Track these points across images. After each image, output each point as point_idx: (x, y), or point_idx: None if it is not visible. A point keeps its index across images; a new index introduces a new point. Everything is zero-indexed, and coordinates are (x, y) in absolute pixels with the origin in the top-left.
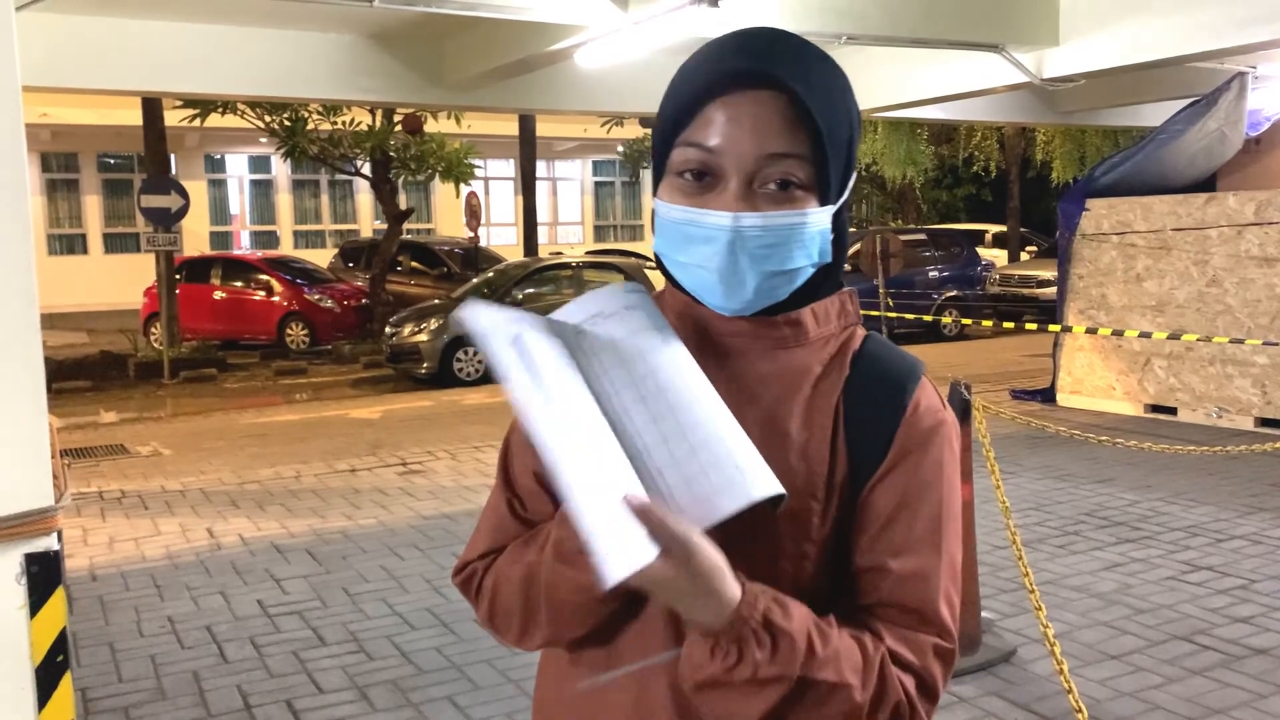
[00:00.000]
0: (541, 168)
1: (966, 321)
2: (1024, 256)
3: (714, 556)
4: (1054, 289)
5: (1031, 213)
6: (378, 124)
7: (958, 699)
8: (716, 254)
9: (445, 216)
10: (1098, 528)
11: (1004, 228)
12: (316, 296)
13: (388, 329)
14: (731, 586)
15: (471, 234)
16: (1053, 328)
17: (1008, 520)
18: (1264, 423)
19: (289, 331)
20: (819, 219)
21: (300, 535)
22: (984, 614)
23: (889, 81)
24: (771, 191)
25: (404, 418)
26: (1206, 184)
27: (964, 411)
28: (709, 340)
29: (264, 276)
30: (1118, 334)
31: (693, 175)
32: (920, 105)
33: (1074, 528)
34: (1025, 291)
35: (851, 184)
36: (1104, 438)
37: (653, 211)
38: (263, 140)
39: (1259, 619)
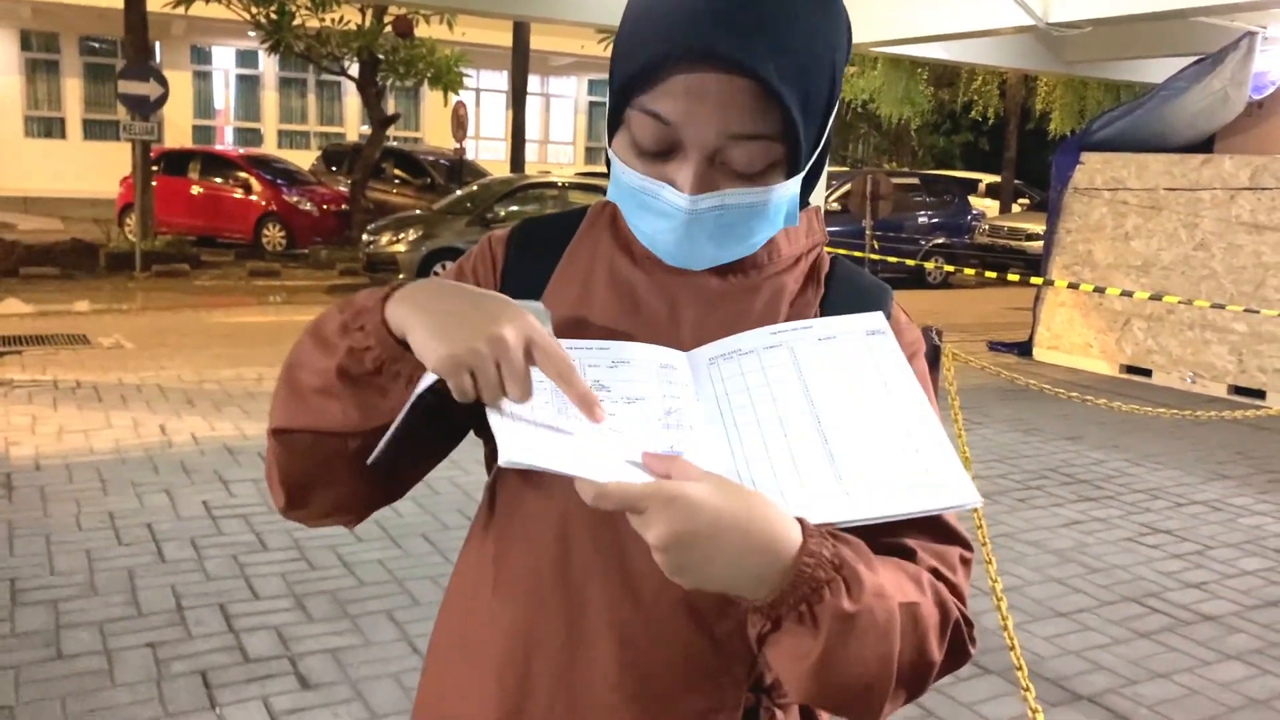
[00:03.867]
0: (534, 83)
1: (950, 269)
2: (1016, 209)
3: (751, 490)
4: (1041, 243)
5: (1028, 165)
6: (367, 23)
7: None
8: (672, 230)
9: (433, 126)
10: (1060, 484)
11: (998, 178)
12: (296, 198)
13: (365, 236)
14: (789, 520)
15: (458, 145)
16: (1035, 280)
17: (969, 470)
18: (1236, 390)
19: (266, 232)
20: (785, 191)
21: (254, 438)
22: None
23: (891, 16)
24: (732, 172)
25: None
26: (1204, 145)
27: (934, 358)
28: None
29: (243, 174)
30: (1099, 291)
31: (650, 143)
32: (922, 42)
33: (1036, 483)
34: (1013, 244)
35: (833, 116)
36: (1074, 394)
37: (606, 159)
38: (251, 34)
39: (1211, 585)
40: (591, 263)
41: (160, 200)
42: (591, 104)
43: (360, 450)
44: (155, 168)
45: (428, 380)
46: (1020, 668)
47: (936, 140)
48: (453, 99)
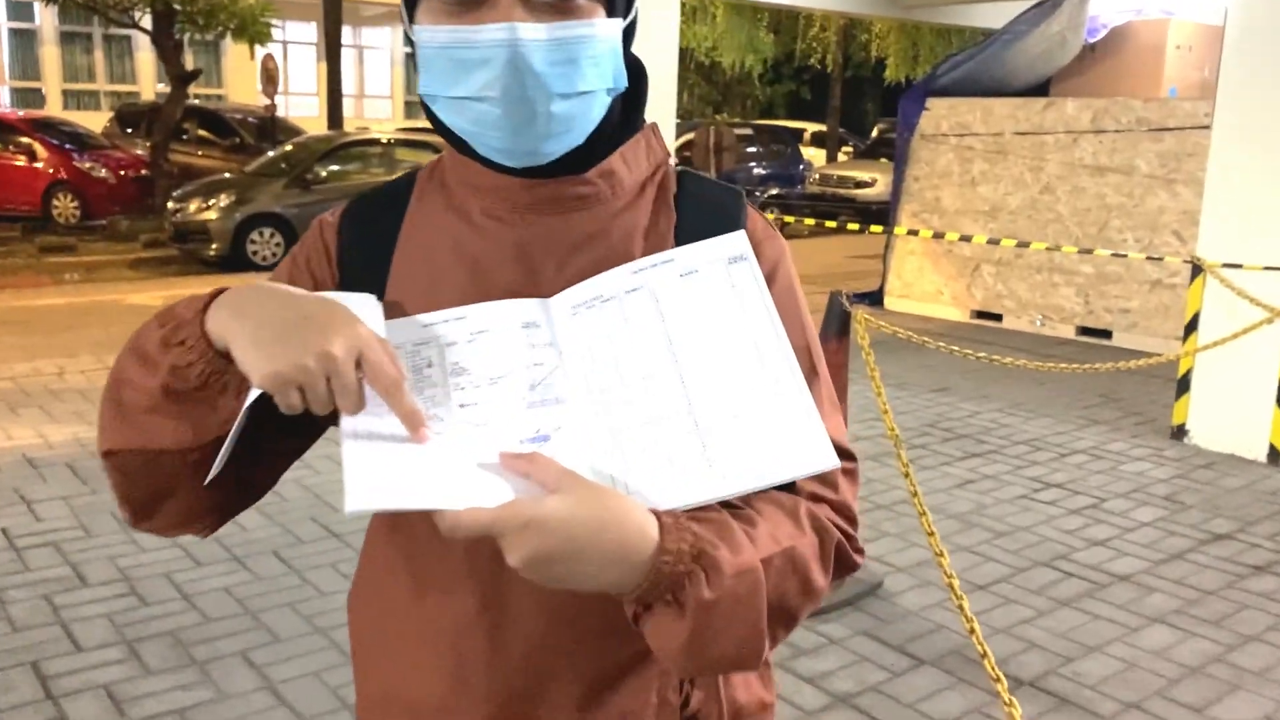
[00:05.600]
0: (347, 34)
1: (789, 220)
2: (841, 157)
3: (607, 488)
4: (871, 190)
5: (849, 113)
6: None
7: (827, 640)
8: (498, 78)
9: (238, 82)
10: (943, 440)
11: (823, 126)
12: (89, 165)
13: (171, 204)
14: (645, 518)
15: (268, 101)
16: (874, 229)
17: (897, 443)
18: (1084, 331)
19: (56, 203)
20: (608, 30)
21: (61, 446)
22: None
23: None
24: (549, 1)
25: None
26: (1041, 89)
27: (843, 324)
28: (504, 211)
29: (25, 139)
30: (938, 237)
31: None
32: None
33: (920, 440)
34: (843, 192)
35: (636, 13)
36: (941, 343)
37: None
38: None
39: (1115, 542)
40: (431, 236)
41: None
42: (408, 55)
43: (199, 463)
44: None
45: (254, 395)
46: (986, 654)
47: (764, 90)
48: (260, 52)
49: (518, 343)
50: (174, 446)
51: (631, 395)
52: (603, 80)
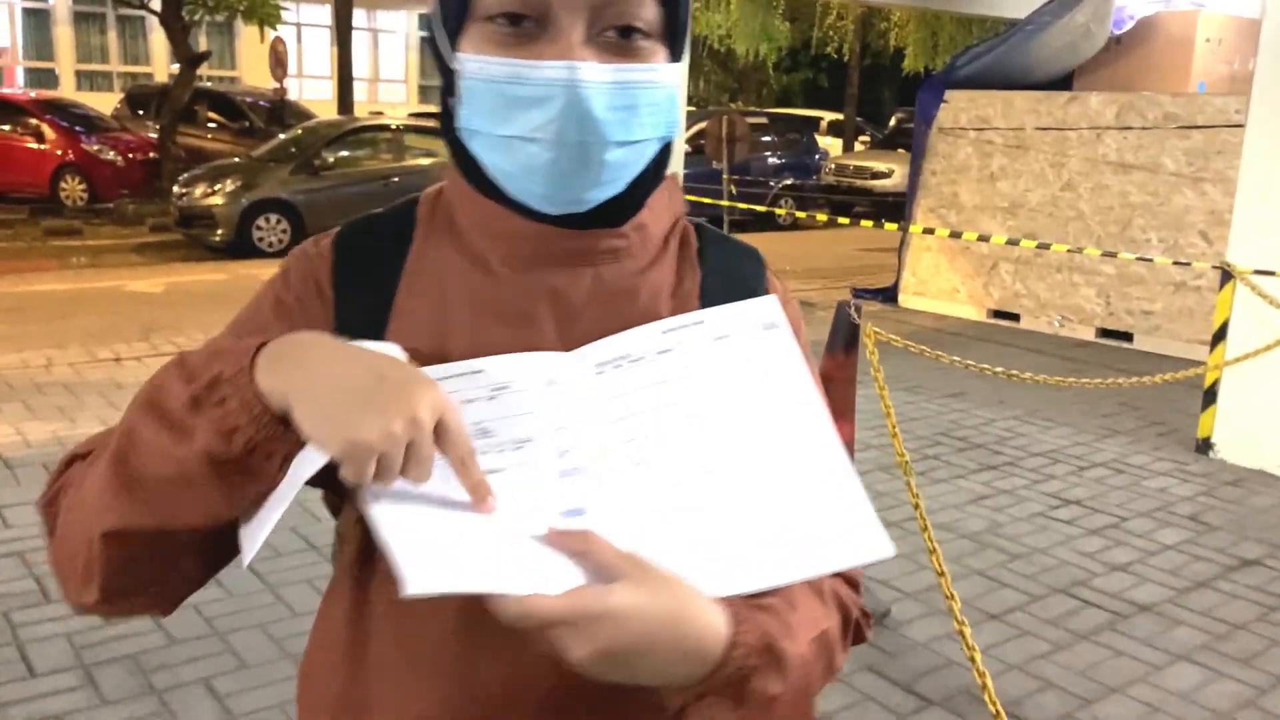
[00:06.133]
0: (360, 17)
1: (800, 215)
2: (858, 147)
3: (673, 575)
4: (888, 180)
5: (865, 102)
6: None
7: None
8: (553, 120)
9: (251, 65)
10: (957, 450)
11: (840, 115)
12: (97, 147)
13: (177, 188)
14: (714, 609)
15: (278, 85)
16: (889, 226)
17: (906, 469)
18: (1104, 333)
19: (64, 186)
20: (670, 76)
21: (39, 444)
22: None
23: None
24: (611, 40)
25: (191, 293)
26: (1064, 82)
27: (852, 338)
28: (528, 260)
29: (34, 121)
30: (954, 236)
31: (509, 19)
32: None
33: (932, 450)
34: (859, 183)
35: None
36: (956, 357)
37: (443, 85)
38: None
39: (1137, 567)
40: (439, 281)
41: None
42: (423, 39)
43: (203, 541)
44: None
45: (319, 461)
46: (992, 700)
47: (779, 78)
48: (270, 35)
49: (541, 402)
50: (200, 523)
51: (671, 470)
52: (658, 129)
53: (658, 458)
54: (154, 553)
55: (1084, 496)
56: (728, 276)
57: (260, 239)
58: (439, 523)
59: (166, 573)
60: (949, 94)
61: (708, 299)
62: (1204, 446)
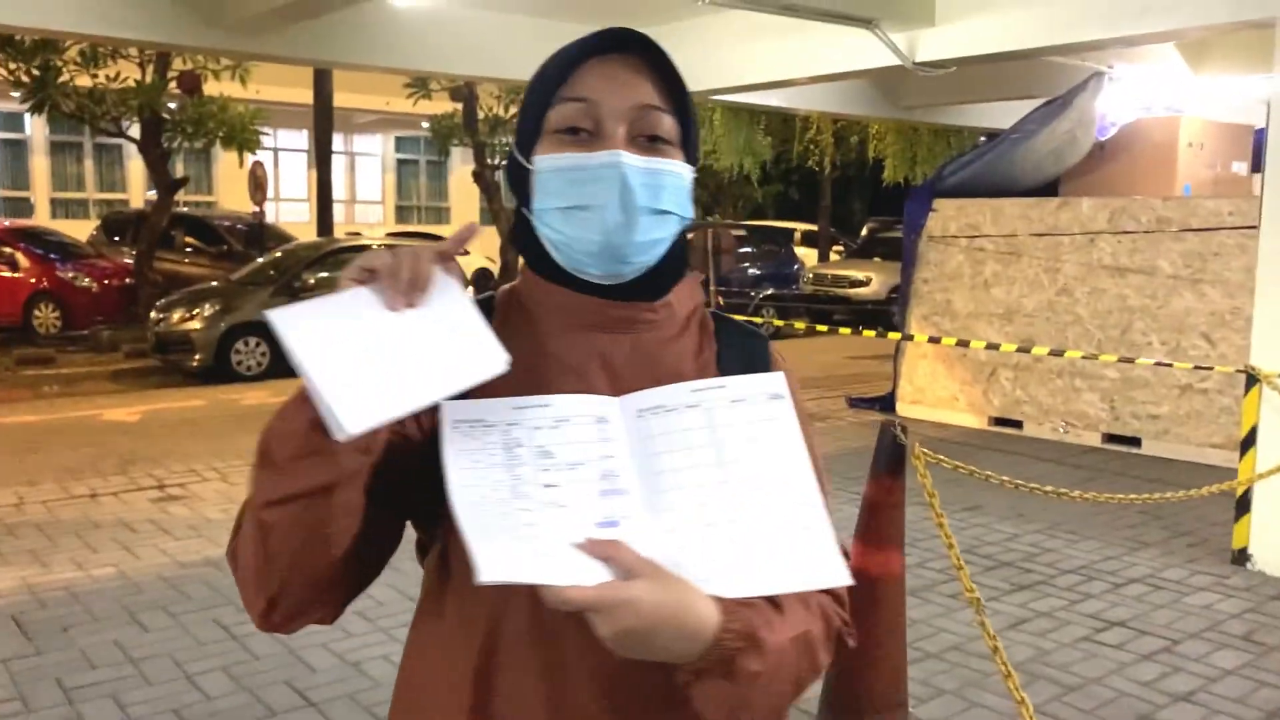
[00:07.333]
0: (338, 142)
1: (779, 323)
2: (833, 256)
3: (679, 576)
4: (866, 289)
5: (837, 212)
6: (148, 79)
7: None
8: (603, 190)
9: (229, 189)
10: (984, 570)
11: (813, 226)
12: (71, 274)
13: (154, 314)
14: (710, 602)
15: (257, 208)
16: (893, 335)
17: (969, 589)
18: (1111, 439)
19: (37, 314)
20: (684, 171)
21: (8, 593)
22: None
23: (741, 59)
24: (644, 144)
25: (168, 421)
26: (1049, 189)
27: (898, 459)
28: (582, 326)
29: (6, 249)
30: (963, 344)
31: (572, 132)
32: (772, 87)
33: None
34: (838, 291)
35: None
36: (1002, 475)
37: (518, 201)
38: (14, 95)
39: (1200, 696)
40: (517, 343)
41: None
42: (400, 161)
43: (347, 503)
44: None
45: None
46: None
47: (751, 191)
48: (249, 159)
49: (593, 434)
50: (325, 482)
51: (685, 499)
52: (678, 208)
53: (677, 486)
54: (305, 533)
55: (1127, 617)
56: (738, 350)
57: (239, 363)
58: (507, 529)
59: (319, 563)
60: (937, 202)
61: (723, 368)
62: (1241, 557)
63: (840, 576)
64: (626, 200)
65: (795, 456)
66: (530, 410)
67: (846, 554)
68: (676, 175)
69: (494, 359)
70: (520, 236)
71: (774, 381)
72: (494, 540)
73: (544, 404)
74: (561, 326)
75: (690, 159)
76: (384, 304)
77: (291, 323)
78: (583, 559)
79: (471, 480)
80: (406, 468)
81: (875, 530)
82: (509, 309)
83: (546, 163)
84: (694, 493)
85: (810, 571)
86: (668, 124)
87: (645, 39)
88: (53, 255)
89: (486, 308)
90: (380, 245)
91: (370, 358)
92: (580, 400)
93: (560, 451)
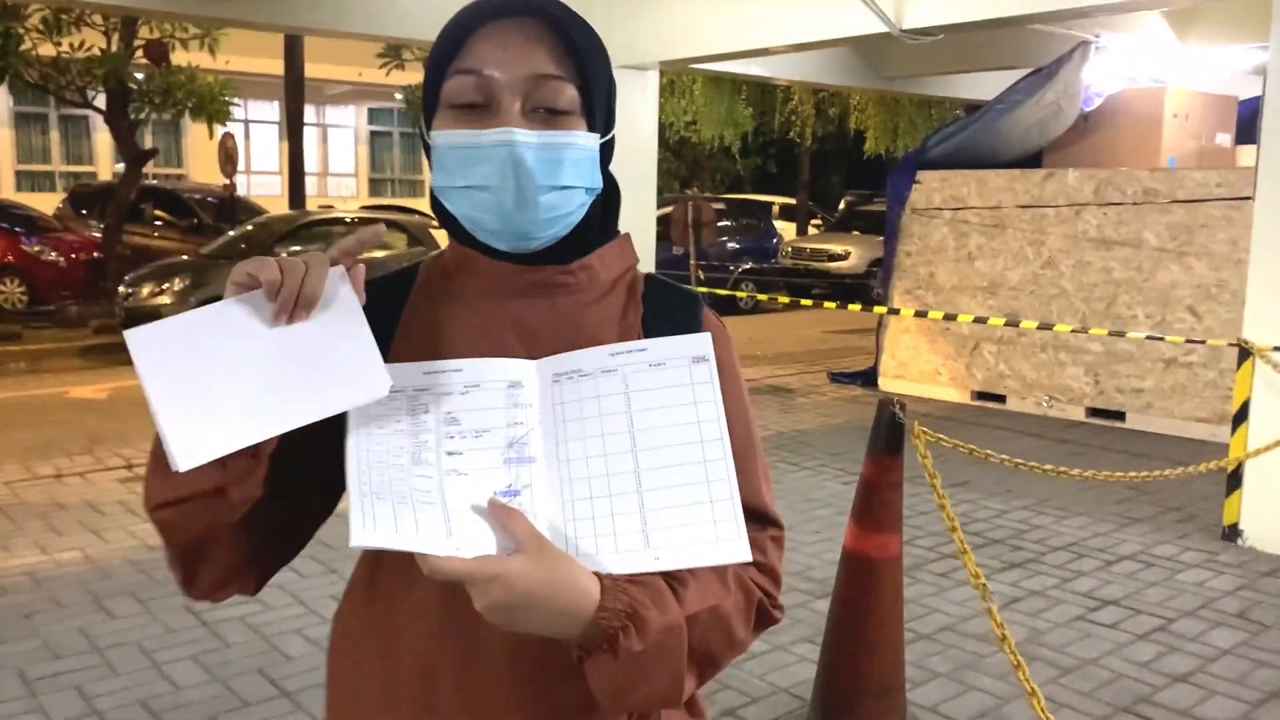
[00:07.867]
0: (310, 113)
1: (762, 297)
2: (811, 230)
3: (562, 552)
4: (845, 263)
5: (815, 185)
6: (113, 47)
7: None
8: (496, 171)
9: (199, 161)
10: (974, 548)
11: (791, 199)
12: (37, 248)
13: (122, 288)
14: (590, 579)
15: (227, 181)
16: (878, 309)
17: (975, 575)
18: (1094, 413)
19: (2, 288)
20: (587, 142)
21: None
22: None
23: (722, 26)
24: (542, 115)
25: (137, 399)
26: (1034, 160)
27: (895, 440)
28: (498, 293)
29: None
30: (950, 318)
31: (467, 105)
32: (754, 55)
33: (948, 548)
34: (816, 265)
35: (613, 135)
36: (1005, 457)
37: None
38: None
39: (1198, 677)
40: (432, 313)
41: None
42: (373, 133)
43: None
44: None
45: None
46: None
47: (729, 165)
48: (219, 131)
49: (502, 400)
50: (221, 483)
51: (592, 468)
52: (581, 179)
53: (584, 455)
54: (203, 529)
55: (1120, 595)
56: (667, 313)
57: None
58: (397, 496)
59: (224, 549)
60: (921, 174)
61: (649, 331)
62: (1232, 533)
63: (739, 553)
64: (522, 181)
65: (710, 425)
66: (441, 375)
67: (779, 525)
68: (578, 147)
69: (375, 383)
70: (438, 206)
71: (698, 343)
72: (377, 506)
73: (456, 368)
74: (478, 292)
75: (597, 126)
76: (263, 318)
77: (148, 343)
78: (473, 529)
79: (370, 445)
80: (321, 436)
81: (873, 512)
82: (432, 276)
83: (442, 139)
84: (600, 462)
85: (709, 547)
86: (568, 94)
87: (539, 1)
88: (18, 229)
89: (410, 276)
90: (354, 218)
91: (231, 381)
92: (494, 364)
93: (467, 419)
